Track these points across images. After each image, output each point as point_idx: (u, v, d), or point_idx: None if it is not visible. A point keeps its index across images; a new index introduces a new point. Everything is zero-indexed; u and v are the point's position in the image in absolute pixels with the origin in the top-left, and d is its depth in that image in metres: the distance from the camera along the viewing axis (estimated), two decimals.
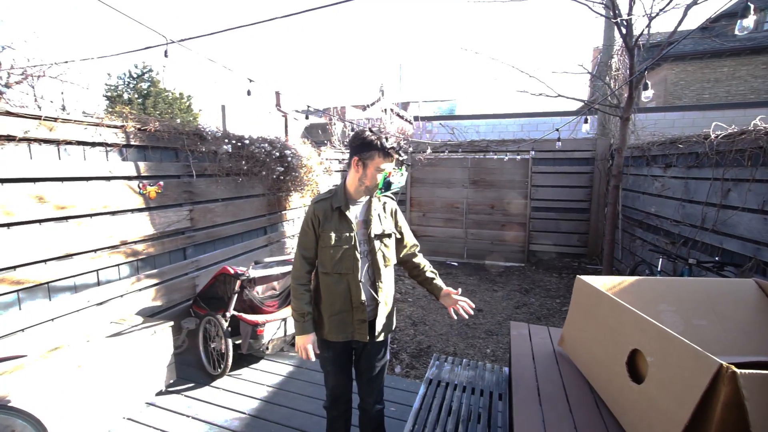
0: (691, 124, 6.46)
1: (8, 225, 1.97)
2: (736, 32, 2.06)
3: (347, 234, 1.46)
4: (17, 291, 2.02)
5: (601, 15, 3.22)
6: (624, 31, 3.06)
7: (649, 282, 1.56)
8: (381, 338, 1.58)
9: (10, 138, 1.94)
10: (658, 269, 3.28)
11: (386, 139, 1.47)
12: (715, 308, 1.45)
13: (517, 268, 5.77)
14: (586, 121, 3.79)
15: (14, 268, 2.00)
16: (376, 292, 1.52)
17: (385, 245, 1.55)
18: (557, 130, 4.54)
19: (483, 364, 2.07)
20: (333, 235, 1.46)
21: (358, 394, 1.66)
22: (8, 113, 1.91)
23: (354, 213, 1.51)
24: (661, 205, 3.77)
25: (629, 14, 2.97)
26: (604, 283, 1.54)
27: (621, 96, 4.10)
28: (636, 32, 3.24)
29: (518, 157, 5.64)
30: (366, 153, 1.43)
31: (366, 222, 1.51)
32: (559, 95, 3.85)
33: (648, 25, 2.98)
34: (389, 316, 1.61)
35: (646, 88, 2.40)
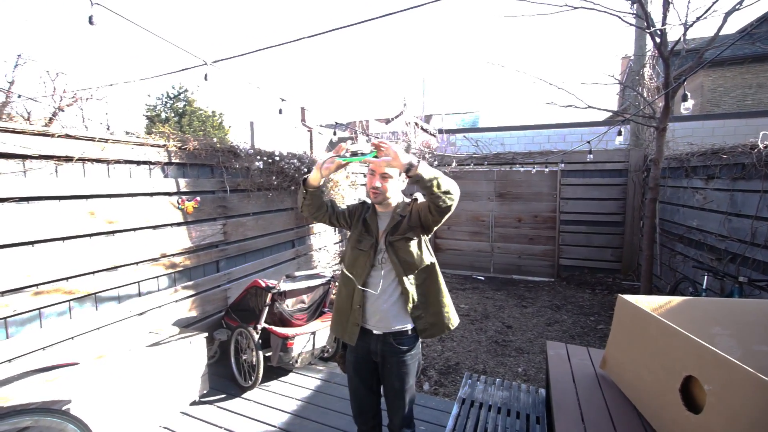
0: (733, 133, 6.13)
1: (63, 239, 2.12)
2: None
3: (368, 240, 1.55)
4: (69, 301, 2.15)
5: (634, 26, 3.16)
6: (658, 40, 2.97)
7: (700, 303, 1.47)
8: (395, 355, 1.51)
9: (68, 158, 2.10)
10: (704, 287, 3.09)
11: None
12: None
13: (546, 283, 5.58)
14: (620, 133, 3.66)
15: (67, 279, 2.14)
16: (404, 302, 1.51)
17: (406, 250, 1.49)
18: (588, 142, 4.42)
19: (518, 385, 2.00)
20: (357, 237, 1.57)
21: (387, 413, 1.64)
22: (68, 136, 2.07)
23: (378, 223, 1.58)
24: (703, 219, 3.57)
25: (663, 23, 2.89)
26: (649, 303, 1.47)
27: (655, 106, 3.96)
28: (670, 40, 3.15)
29: (547, 169, 5.52)
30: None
31: (386, 231, 1.55)
32: (589, 106, 3.76)
33: (684, 34, 2.89)
34: (419, 323, 1.51)
35: (685, 99, 2.29)
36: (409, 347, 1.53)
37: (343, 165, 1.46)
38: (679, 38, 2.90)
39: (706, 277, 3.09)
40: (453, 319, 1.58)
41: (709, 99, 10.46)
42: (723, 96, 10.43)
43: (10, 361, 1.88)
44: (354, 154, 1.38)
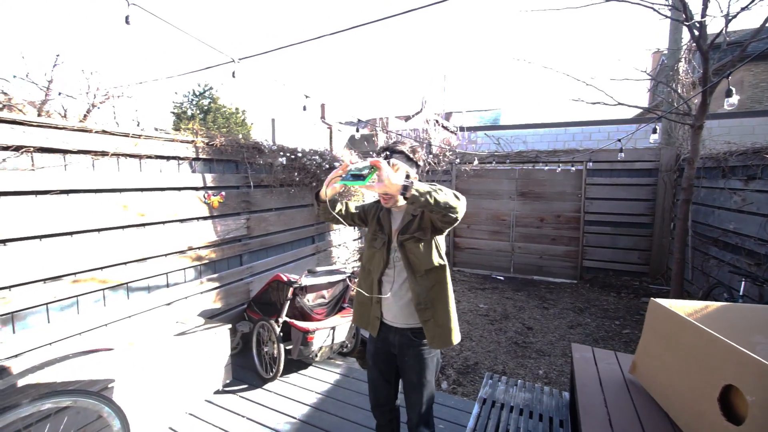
0: None
1: (99, 230, 2.22)
2: None
3: (382, 239, 1.57)
4: (103, 289, 2.26)
5: (671, 18, 3.01)
6: (697, 33, 2.82)
7: (739, 309, 1.40)
8: (413, 348, 1.52)
9: (104, 153, 2.20)
10: (740, 293, 2.94)
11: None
12: None
13: (568, 285, 5.44)
14: (654, 131, 3.50)
15: (101, 268, 2.24)
16: (408, 301, 1.51)
17: (414, 251, 1.48)
18: (619, 140, 4.26)
19: (540, 387, 1.96)
20: (372, 235, 1.61)
21: (405, 409, 1.64)
22: (104, 132, 2.17)
23: (391, 221, 1.59)
24: (741, 222, 3.39)
25: (703, 15, 2.74)
26: (684, 308, 1.41)
27: (691, 102, 3.78)
28: (709, 32, 2.98)
29: (573, 168, 5.36)
30: None
31: (397, 230, 1.55)
32: (620, 103, 3.62)
33: (726, 26, 2.73)
34: (428, 328, 1.49)
35: (730, 94, 2.16)
36: (427, 343, 1.53)
37: (346, 187, 1.44)
38: (721, 30, 2.74)
39: (743, 282, 2.93)
40: (455, 335, 1.53)
41: (750, 95, 9.87)
42: (766, 92, 9.82)
43: (51, 344, 1.99)
44: (356, 176, 1.30)
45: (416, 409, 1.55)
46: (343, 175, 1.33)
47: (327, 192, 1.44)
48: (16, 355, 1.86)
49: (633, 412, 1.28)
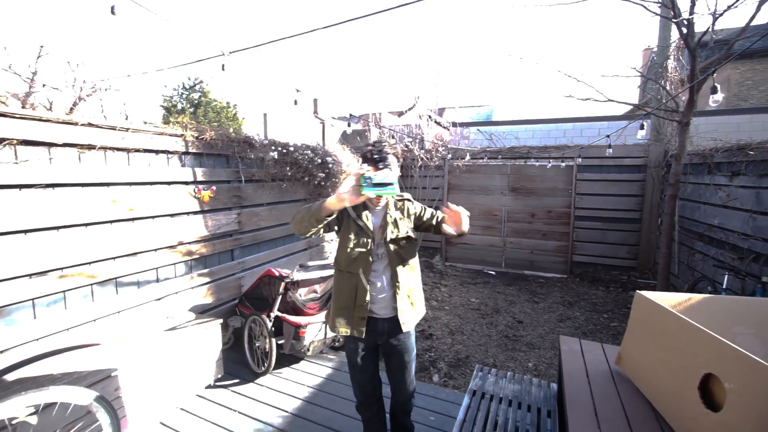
0: (761, 128, 5.89)
1: (86, 225, 2.18)
2: None
3: (364, 239, 1.57)
4: (91, 285, 2.23)
5: (659, 15, 3.04)
6: (685, 31, 2.86)
7: (722, 301, 1.44)
8: (404, 331, 1.63)
9: (91, 146, 2.16)
10: (724, 287, 3.01)
11: (376, 149, 1.53)
12: None
13: (559, 280, 5.52)
14: (642, 127, 3.56)
15: (89, 263, 2.21)
16: (395, 291, 1.59)
17: (401, 248, 1.60)
18: (608, 136, 4.31)
19: (529, 379, 1.99)
20: (352, 237, 1.58)
21: (393, 392, 1.73)
22: (90, 124, 2.12)
23: (372, 219, 1.61)
24: (726, 217, 3.47)
25: (691, 13, 2.77)
26: (668, 300, 1.44)
27: (679, 99, 3.83)
28: (697, 30, 3.02)
29: (563, 164, 5.41)
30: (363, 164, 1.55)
31: (383, 227, 1.59)
32: (610, 99, 3.66)
33: (713, 24, 2.78)
34: (411, 312, 1.64)
35: (714, 91, 2.20)
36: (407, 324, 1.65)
37: (371, 196, 1.37)
38: (708, 28, 2.78)
39: (726, 276, 3.01)
40: (423, 309, 1.73)
41: (735, 93, 10.05)
42: (751, 90, 10.01)
43: (37, 340, 1.97)
44: (378, 184, 1.33)
45: (410, 388, 1.70)
46: (364, 185, 1.34)
47: (347, 204, 1.38)
48: (1, 352, 1.83)
49: (618, 402, 1.31)
